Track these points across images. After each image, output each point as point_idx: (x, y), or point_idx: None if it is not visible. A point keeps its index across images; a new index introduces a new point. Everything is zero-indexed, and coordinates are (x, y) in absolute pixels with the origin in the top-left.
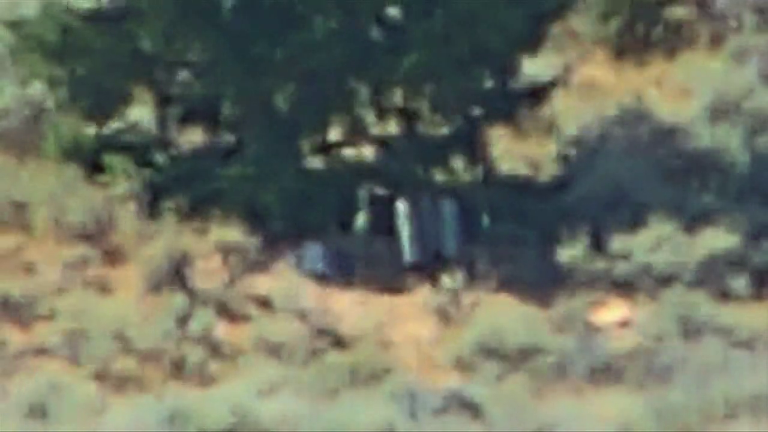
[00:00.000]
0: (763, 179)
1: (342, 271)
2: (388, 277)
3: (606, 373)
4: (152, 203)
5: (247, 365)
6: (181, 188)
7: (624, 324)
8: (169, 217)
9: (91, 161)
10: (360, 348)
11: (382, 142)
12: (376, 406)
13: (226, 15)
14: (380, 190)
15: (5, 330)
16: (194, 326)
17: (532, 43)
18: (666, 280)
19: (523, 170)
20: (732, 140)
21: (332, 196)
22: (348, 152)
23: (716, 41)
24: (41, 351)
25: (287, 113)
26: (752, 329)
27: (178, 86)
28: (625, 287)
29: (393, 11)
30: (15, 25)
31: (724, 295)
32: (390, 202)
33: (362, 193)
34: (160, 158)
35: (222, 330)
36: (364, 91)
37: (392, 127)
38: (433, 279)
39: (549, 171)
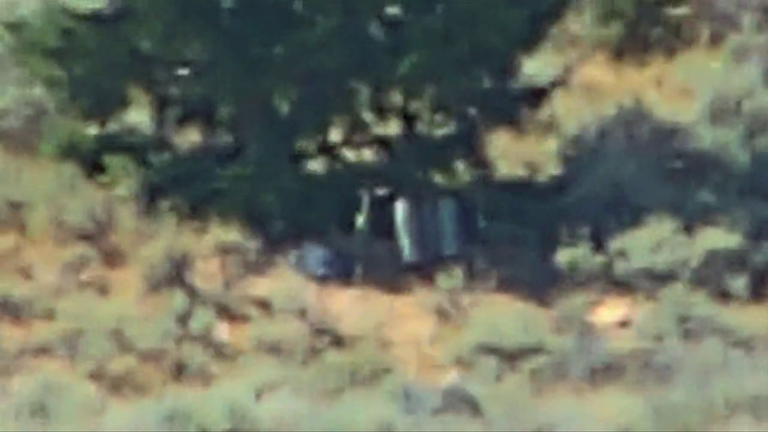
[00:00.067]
0: (763, 179)
1: (342, 272)
2: (388, 277)
3: (605, 373)
4: (151, 204)
5: (247, 365)
6: (180, 189)
7: (623, 324)
8: (169, 218)
9: (91, 162)
10: (360, 348)
11: (382, 143)
12: (375, 406)
13: (224, 15)
14: (380, 191)
15: (4, 330)
16: (194, 326)
17: (532, 43)
18: (665, 279)
19: (522, 171)
20: (732, 140)
21: (332, 197)
22: (348, 153)
23: (716, 41)
24: (40, 351)
25: (287, 114)
26: (752, 329)
27: (177, 87)
28: (624, 287)
29: (393, 11)
30: (14, 26)
31: (724, 295)
32: (390, 202)
33: (362, 194)
34: (159, 159)
35: (222, 330)
36: (364, 92)
37: (392, 128)
38: (433, 279)
39: (549, 171)
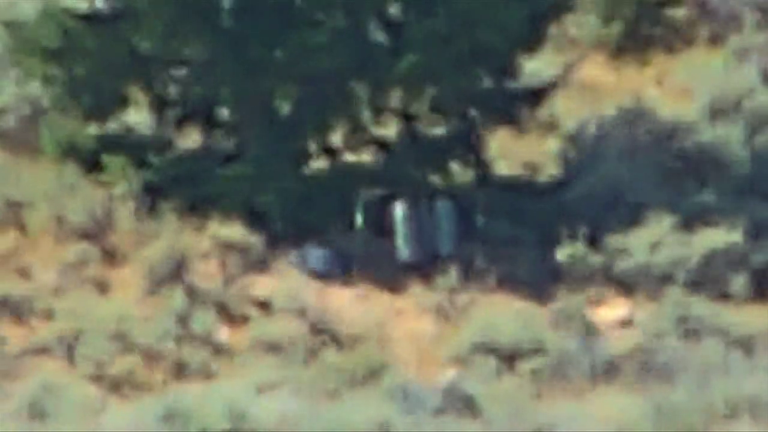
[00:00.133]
0: (763, 178)
1: (341, 272)
2: (387, 277)
3: (605, 372)
4: (151, 203)
5: (246, 364)
6: (180, 189)
7: (624, 323)
8: (169, 218)
9: (90, 161)
10: (359, 347)
11: (382, 143)
12: (374, 405)
13: (224, 16)
14: (379, 191)
15: (4, 330)
16: (194, 326)
17: (532, 43)
18: (665, 279)
19: (522, 170)
20: (732, 139)
21: (332, 197)
22: (347, 153)
23: (716, 40)
24: (40, 351)
25: (287, 114)
26: (752, 329)
27: (177, 87)
28: (624, 286)
29: (393, 12)
30: (12, 25)
31: (724, 295)
32: (389, 202)
33: (361, 194)
34: (158, 159)
35: (221, 329)
36: (364, 93)
37: (391, 129)
38: (432, 279)
39: (548, 171)
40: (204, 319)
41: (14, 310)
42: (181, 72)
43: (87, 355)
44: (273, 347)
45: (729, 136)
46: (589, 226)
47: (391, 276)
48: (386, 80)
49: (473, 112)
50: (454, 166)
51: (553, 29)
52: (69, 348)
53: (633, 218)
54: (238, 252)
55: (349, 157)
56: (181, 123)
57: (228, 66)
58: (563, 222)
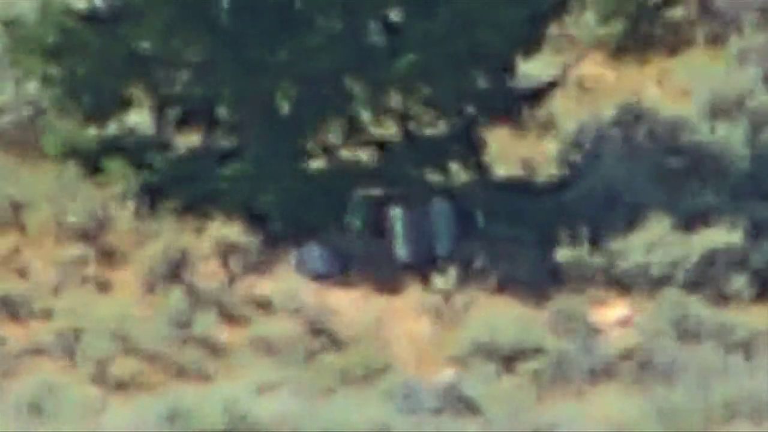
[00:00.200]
0: (763, 178)
1: (340, 272)
2: (386, 277)
3: (605, 373)
4: (151, 204)
5: (245, 364)
6: (180, 189)
7: (623, 323)
8: (168, 218)
9: (90, 162)
10: (357, 347)
11: (380, 143)
12: (372, 405)
13: (224, 16)
14: (378, 191)
15: (3, 329)
16: (193, 326)
17: (531, 43)
18: (664, 279)
19: (521, 171)
20: (732, 139)
21: (331, 197)
22: (346, 153)
23: (717, 41)
24: (39, 351)
25: (286, 114)
26: (751, 330)
27: (176, 87)
28: (623, 287)
29: (392, 12)
30: (12, 25)
31: (723, 296)
32: (388, 202)
33: (360, 194)
34: (158, 159)
35: (220, 329)
36: (362, 93)
37: (390, 129)
38: (430, 279)
39: (547, 171)
40: (203, 320)
41: (13, 309)
42: (181, 72)
43: (86, 355)
44: (272, 347)
45: (729, 136)
46: (589, 226)
47: (389, 276)
48: (385, 80)
49: (472, 112)
50: (453, 167)
51: (552, 29)
52: (68, 348)
53: (632, 218)
54: (238, 252)
55: (348, 158)
56: (180, 123)
57: (227, 66)
58: (563, 222)
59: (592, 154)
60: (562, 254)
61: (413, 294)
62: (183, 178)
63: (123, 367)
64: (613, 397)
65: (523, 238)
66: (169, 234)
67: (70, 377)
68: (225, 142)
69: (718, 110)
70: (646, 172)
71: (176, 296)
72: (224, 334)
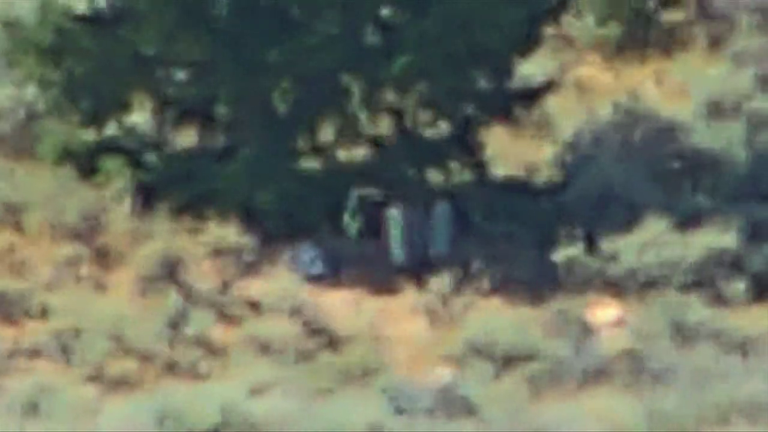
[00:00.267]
0: (760, 179)
1: (335, 272)
2: (381, 277)
3: (601, 374)
4: (147, 203)
5: (240, 364)
6: (176, 188)
7: (620, 325)
8: (163, 218)
9: (86, 164)
10: (352, 348)
11: (377, 144)
12: (367, 405)
13: (222, 18)
14: (374, 192)
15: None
16: (188, 326)
17: (528, 43)
18: (661, 280)
19: (518, 171)
20: (729, 140)
21: (327, 197)
22: (343, 154)
23: (714, 44)
24: (34, 351)
25: (282, 114)
26: (747, 333)
27: (175, 88)
28: (620, 288)
29: (388, 12)
30: (11, 26)
31: (720, 297)
32: (384, 203)
33: (356, 195)
34: (155, 158)
35: (215, 329)
36: (359, 93)
37: (387, 129)
38: (426, 279)
39: (544, 172)
40: (198, 320)
41: (9, 308)
42: (180, 72)
43: (81, 354)
44: (266, 347)
45: (727, 137)
46: (586, 227)
47: (385, 277)
48: (381, 79)
49: (470, 113)
50: (451, 167)
51: (550, 30)
52: (64, 348)
53: (629, 219)
54: (232, 253)
55: (345, 158)
56: (177, 122)
57: (225, 66)
58: (560, 223)
59: (589, 155)
60: (560, 255)
61: (409, 295)
62: (179, 177)
63: (118, 366)
64: (608, 398)
65: (521, 238)
66: (164, 235)
67: (65, 377)
68: (222, 141)
69: (715, 112)
70: (644, 173)
71: (171, 296)
72: (218, 335)
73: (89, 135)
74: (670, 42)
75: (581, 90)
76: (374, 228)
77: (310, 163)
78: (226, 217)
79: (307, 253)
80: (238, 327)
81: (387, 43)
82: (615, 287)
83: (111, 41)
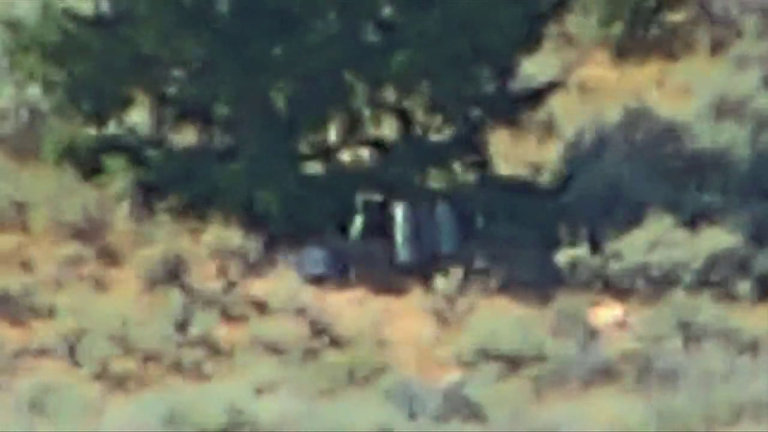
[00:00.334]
0: (764, 179)
1: (340, 272)
2: (386, 278)
3: (607, 375)
4: (149, 203)
5: (244, 364)
6: (178, 188)
7: (623, 325)
8: (166, 218)
9: (88, 163)
10: (357, 348)
11: (380, 145)
12: (373, 406)
13: (222, 17)
14: (378, 192)
15: (3, 328)
16: (192, 326)
17: (531, 43)
18: (667, 281)
19: (521, 171)
20: (733, 140)
21: (330, 198)
22: (346, 154)
23: (718, 44)
24: (40, 350)
25: (284, 114)
26: (755, 332)
27: (176, 87)
28: (625, 288)
29: (390, 12)
30: (14, 27)
31: (727, 297)
32: (388, 203)
33: (360, 195)
34: (156, 158)
35: (220, 330)
36: (361, 93)
37: (390, 130)
38: (431, 280)
39: (548, 171)
40: (202, 320)
41: (14, 307)
42: (181, 72)
43: (86, 354)
44: (271, 348)
45: (731, 138)
46: (590, 227)
47: (390, 278)
48: (382, 78)
49: (474, 114)
50: (455, 168)
51: (552, 29)
52: (69, 347)
53: (633, 220)
54: (236, 253)
55: (348, 159)
56: (179, 121)
57: (226, 65)
58: (564, 223)
59: (593, 155)
60: (564, 255)
61: (414, 296)
62: (181, 176)
63: (123, 366)
64: (615, 400)
65: (525, 239)
66: (167, 236)
67: (70, 376)
68: (223, 141)
69: (719, 112)
70: (648, 173)
71: (175, 297)
72: (223, 334)
73: (91, 134)
74: (673, 42)
75: (585, 90)
76: (379, 228)
77: (313, 165)
78: (229, 218)
79: (311, 253)
80: (243, 327)
81: (388, 42)
82: (620, 287)
83: (112, 41)
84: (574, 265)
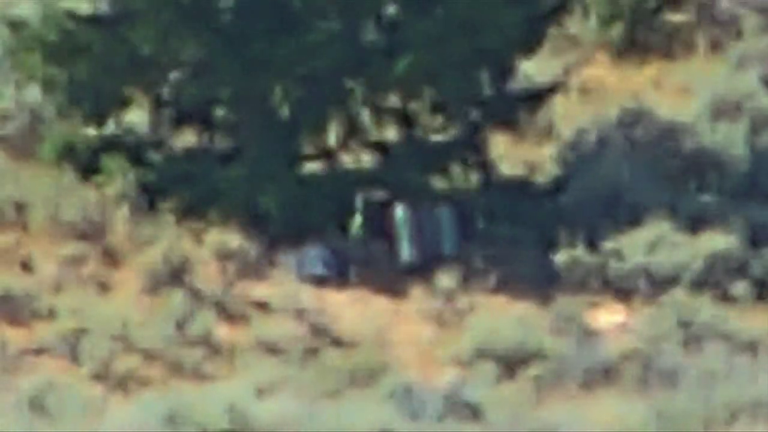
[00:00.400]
0: (763, 180)
1: (340, 274)
2: (386, 279)
3: (606, 376)
4: (149, 204)
5: (246, 365)
6: (178, 190)
7: (624, 326)
8: (167, 219)
9: (87, 164)
10: (358, 349)
11: (381, 146)
12: (373, 407)
13: (222, 17)
14: (378, 194)
15: (3, 327)
16: (193, 327)
17: (531, 45)
18: (666, 282)
19: (521, 173)
20: (732, 140)
21: (330, 199)
22: (346, 156)
23: (717, 44)
24: (42, 350)
25: (285, 115)
26: (753, 333)
27: (175, 88)
28: (624, 289)
29: (391, 13)
30: (14, 27)
31: (725, 298)
32: (388, 205)
33: (360, 197)
34: (156, 159)
35: (221, 330)
36: (362, 94)
37: (390, 131)
38: (431, 281)
39: (548, 173)
40: (204, 321)
41: (15, 307)
42: (180, 73)
43: (89, 355)
44: (272, 349)
45: (730, 138)
46: (590, 228)
47: (391, 279)
48: (385, 81)
49: (474, 115)
50: (455, 169)
51: (552, 31)
52: (71, 347)
53: (632, 220)
54: (237, 254)
55: (349, 160)
56: (178, 123)
57: (226, 67)
58: (564, 224)
59: (592, 156)
60: (563, 256)
61: (414, 296)
62: (181, 178)
63: (124, 366)
64: (614, 401)
65: (525, 240)
66: (168, 237)
67: (72, 376)
68: (223, 142)
69: (719, 112)
70: (647, 175)
71: (176, 297)
72: (224, 334)
73: (90, 134)
74: (673, 43)
75: (585, 91)
76: (379, 229)
77: (314, 166)
78: (229, 219)
79: (312, 254)
80: (244, 328)
81: (389, 44)
82: (620, 288)
83: (113, 42)
84: (573, 265)
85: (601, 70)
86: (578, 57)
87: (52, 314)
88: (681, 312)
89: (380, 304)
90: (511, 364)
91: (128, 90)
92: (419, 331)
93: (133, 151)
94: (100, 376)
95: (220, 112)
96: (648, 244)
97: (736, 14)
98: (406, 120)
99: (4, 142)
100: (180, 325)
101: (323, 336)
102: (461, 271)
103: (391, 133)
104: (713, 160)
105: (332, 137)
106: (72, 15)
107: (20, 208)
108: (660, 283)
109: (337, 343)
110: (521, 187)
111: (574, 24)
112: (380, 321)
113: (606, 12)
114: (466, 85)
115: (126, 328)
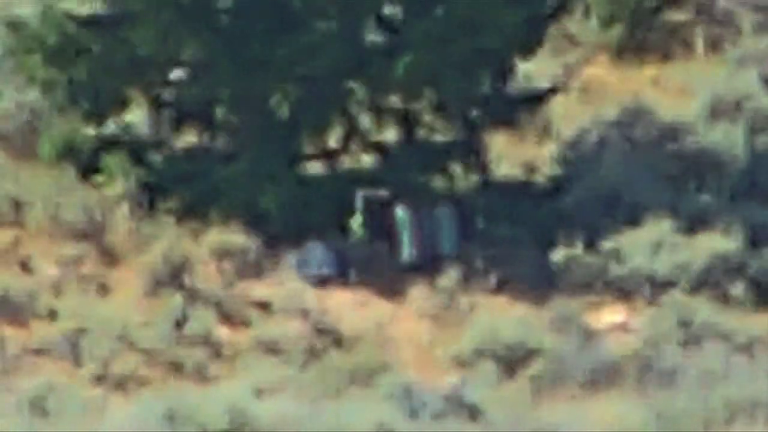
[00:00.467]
0: (762, 180)
1: (341, 274)
2: (387, 279)
3: (606, 376)
4: (149, 203)
5: (247, 365)
6: (178, 189)
7: (623, 326)
8: (167, 219)
9: (87, 163)
10: (359, 348)
11: (381, 146)
12: (374, 406)
13: (222, 18)
14: (379, 194)
15: (3, 328)
16: (194, 327)
17: (531, 45)
18: (665, 283)
19: (521, 173)
20: (732, 140)
21: (331, 200)
22: (347, 156)
23: (716, 45)
24: (42, 351)
25: (284, 116)
26: (752, 333)
27: (175, 89)
28: (623, 289)
29: (391, 13)
30: (14, 27)
31: (724, 299)
32: (389, 205)
33: (360, 197)
34: (156, 159)
35: (221, 330)
36: (362, 95)
37: (390, 131)
38: (431, 281)
39: (547, 174)
40: (204, 321)
41: (17, 310)
42: (180, 73)
43: (89, 355)
44: (273, 348)
45: (729, 138)
46: (589, 228)
47: (392, 278)
48: (385, 81)
49: (474, 115)
50: (455, 169)
51: (552, 31)
52: (71, 348)
53: (632, 220)
54: (237, 253)
55: (349, 161)
56: (178, 123)
57: (226, 67)
58: (563, 224)
59: (592, 156)
60: (562, 257)
61: (415, 296)
62: (181, 178)
63: (125, 367)
64: (614, 401)
65: (525, 240)
66: (168, 237)
67: (72, 377)
68: (223, 142)
69: (718, 112)
70: (647, 175)
71: (176, 298)
72: (225, 334)
73: (90, 133)
74: (672, 43)
75: (585, 92)
76: (380, 229)
77: (314, 167)
78: (230, 219)
79: (312, 254)
80: (245, 328)
81: (389, 43)
82: (619, 288)
83: (112, 43)
84: (573, 265)
85: (601, 70)
86: (578, 57)
87: (52, 314)
88: (680, 312)
89: (380, 303)
90: (511, 364)
91: (128, 90)
92: (419, 330)
93: (134, 151)
94: (100, 377)
95: (220, 113)
96: (648, 244)
97: (735, 13)
98: (406, 120)
99: (4, 141)
100: (180, 326)
101: (323, 336)
102: (461, 271)
103: (391, 134)
104: (713, 160)
105: (333, 138)
106: (71, 16)
107: (20, 207)
108: (660, 284)
109: (338, 342)
110: (521, 187)
111: (574, 24)
112: (380, 321)
113: (606, 12)
114: (466, 86)
115: (126, 329)
